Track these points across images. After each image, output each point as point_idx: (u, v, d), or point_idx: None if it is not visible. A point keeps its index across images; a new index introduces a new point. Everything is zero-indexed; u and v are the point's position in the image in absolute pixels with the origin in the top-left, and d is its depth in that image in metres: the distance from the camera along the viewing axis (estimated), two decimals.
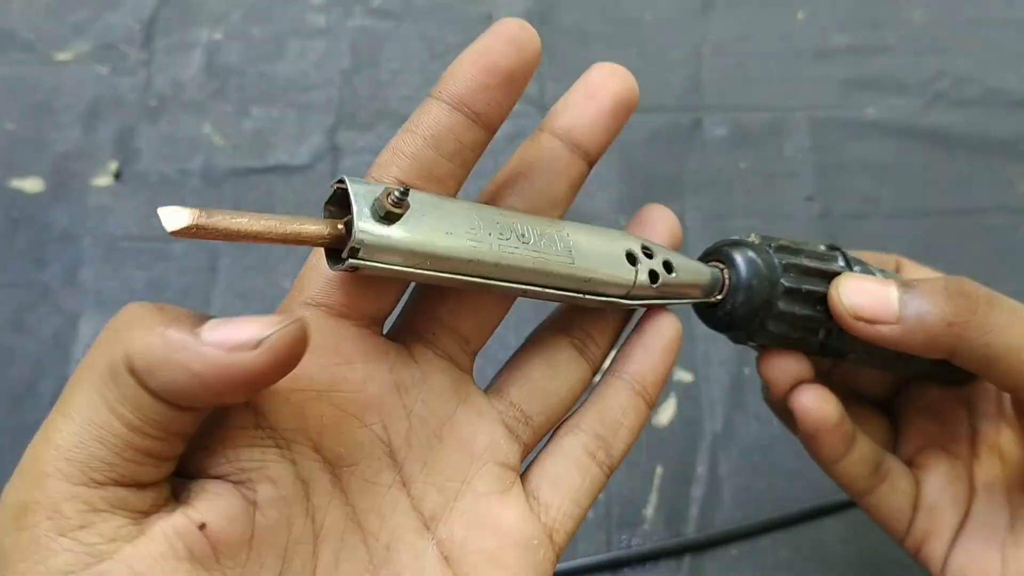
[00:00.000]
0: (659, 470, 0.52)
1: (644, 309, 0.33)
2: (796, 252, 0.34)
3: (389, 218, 0.25)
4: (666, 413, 0.53)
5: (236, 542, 0.24)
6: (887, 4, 0.67)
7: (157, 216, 0.23)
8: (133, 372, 0.22)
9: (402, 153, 0.28)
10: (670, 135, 0.62)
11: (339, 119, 0.62)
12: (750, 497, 0.51)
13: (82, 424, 0.23)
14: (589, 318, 0.32)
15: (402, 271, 0.26)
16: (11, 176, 0.59)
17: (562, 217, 0.31)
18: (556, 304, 0.33)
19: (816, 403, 0.34)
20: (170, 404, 0.23)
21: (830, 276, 0.34)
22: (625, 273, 0.30)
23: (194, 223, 0.23)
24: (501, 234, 0.27)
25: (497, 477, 0.29)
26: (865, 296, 0.32)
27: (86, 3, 0.65)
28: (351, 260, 0.25)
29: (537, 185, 0.31)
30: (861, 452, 0.36)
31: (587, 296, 0.30)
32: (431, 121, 0.28)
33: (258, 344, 0.22)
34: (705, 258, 0.34)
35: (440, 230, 0.26)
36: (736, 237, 0.34)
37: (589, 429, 0.31)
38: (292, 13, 0.66)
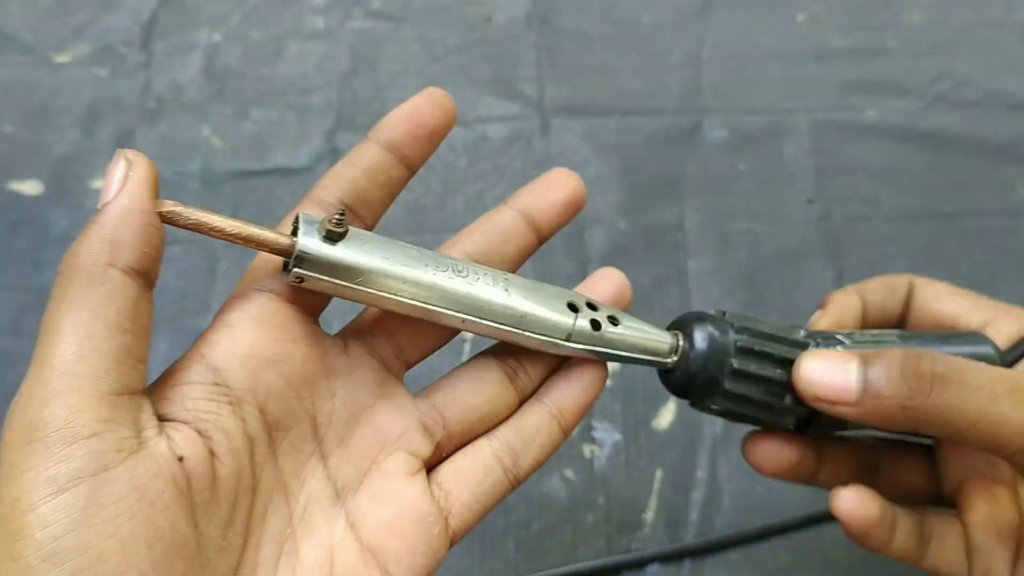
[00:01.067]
0: (659, 474, 0.52)
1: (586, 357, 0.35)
2: (758, 334, 0.35)
3: (331, 237, 0.30)
4: (666, 417, 0.53)
5: (204, 483, 0.28)
6: (887, 6, 0.67)
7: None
8: (109, 263, 0.27)
9: (343, 178, 0.33)
10: (669, 137, 0.62)
11: (338, 121, 0.62)
12: (750, 501, 0.51)
13: (79, 339, 0.26)
14: (526, 351, 0.35)
15: (341, 286, 0.30)
16: (10, 178, 0.59)
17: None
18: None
19: (858, 506, 0.36)
20: (139, 276, 0.27)
21: (786, 358, 0.35)
22: (564, 317, 0.33)
23: (171, 209, 0.28)
24: (438, 266, 0.32)
25: (404, 462, 0.33)
26: (825, 376, 0.34)
27: (85, 5, 0.65)
28: (295, 269, 0.30)
29: (491, 240, 0.35)
30: (905, 528, 0.37)
31: (526, 333, 0.33)
32: (369, 157, 0.34)
33: (128, 161, 0.28)
34: (672, 326, 0.36)
35: (377, 254, 0.31)
36: (705, 311, 0.36)
37: (502, 437, 0.34)
38: (291, 15, 0.66)
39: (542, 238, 0.36)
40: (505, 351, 0.35)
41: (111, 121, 0.61)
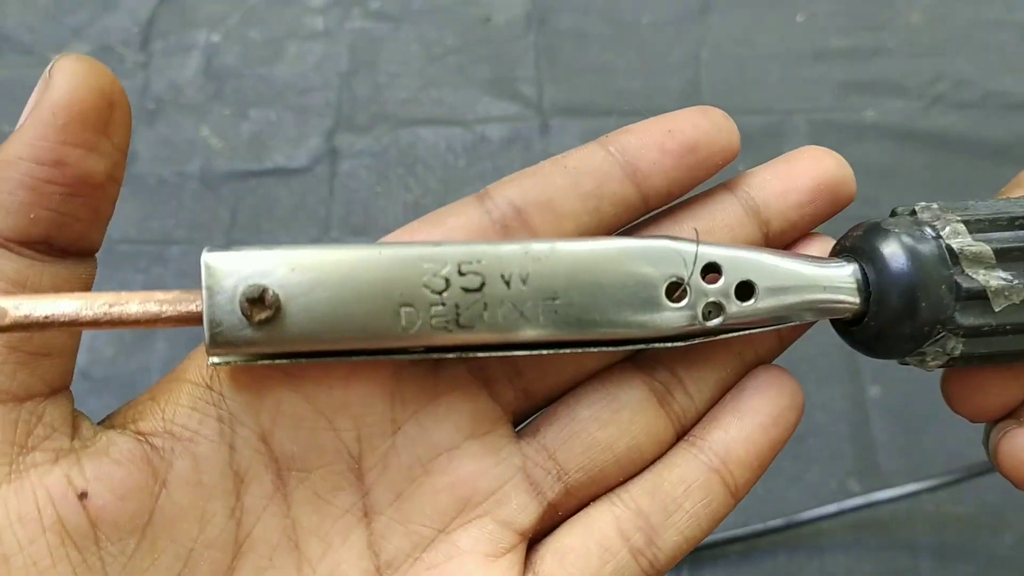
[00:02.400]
0: None
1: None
2: (981, 224, 0.23)
3: (260, 321, 0.20)
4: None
5: (125, 524, 0.20)
6: (886, 6, 0.67)
7: (154, 219, 0.22)
8: None
9: (531, 173, 0.24)
10: None
11: (337, 121, 0.62)
12: (748, 500, 0.51)
13: None
14: (685, 354, 0.24)
15: (296, 363, 0.21)
16: None
17: None
18: None
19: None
20: (27, 245, 0.19)
21: None
22: (657, 317, 0.22)
23: (12, 320, 0.19)
24: (436, 298, 0.21)
25: (490, 536, 0.23)
26: None
27: (83, 5, 0.65)
28: (210, 359, 0.21)
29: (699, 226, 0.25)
30: None
31: (593, 349, 0.22)
32: (584, 155, 0.24)
33: (49, 76, 0.19)
34: (840, 249, 0.25)
35: (333, 318, 0.20)
36: (883, 219, 0.24)
37: (631, 502, 0.23)
38: (290, 15, 0.65)
39: (771, 238, 0.25)
40: (653, 358, 0.24)
41: None
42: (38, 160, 0.19)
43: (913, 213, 0.24)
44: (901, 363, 0.24)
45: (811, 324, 0.24)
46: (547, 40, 0.64)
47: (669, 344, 0.23)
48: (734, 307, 0.22)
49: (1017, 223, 0.24)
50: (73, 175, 0.20)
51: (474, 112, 0.62)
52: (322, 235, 0.58)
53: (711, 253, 0.22)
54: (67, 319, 0.19)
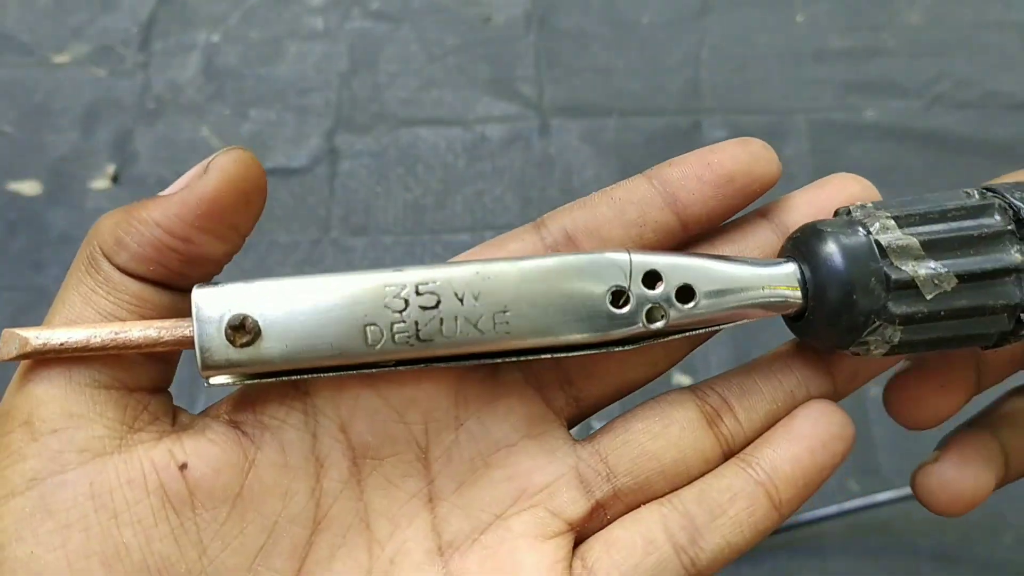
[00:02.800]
0: None
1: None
2: (910, 219, 0.25)
3: (241, 344, 0.23)
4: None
5: (218, 495, 0.23)
6: (886, 6, 0.67)
7: None
8: (104, 254, 0.23)
9: (581, 204, 0.26)
10: (668, 137, 0.62)
11: (337, 122, 0.62)
12: None
13: (60, 322, 0.23)
14: (734, 380, 0.27)
15: (281, 380, 0.24)
16: (9, 179, 0.59)
17: None
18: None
19: (960, 486, 0.28)
20: (142, 279, 0.23)
21: (969, 236, 0.25)
22: (604, 323, 0.24)
23: (31, 349, 0.22)
24: (396, 316, 0.23)
25: (540, 522, 0.25)
26: None
27: (83, 6, 0.65)
28: (208, 383, 0.24)
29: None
30: None
31: (543, 356, 0.24)
32: (628, 187, 0.26)
33: (206, 168, 0.23)
34: (783, 250, 0.26)
35: (307, 338, 0.23)
36: (820, 220, 0.26)
37: (679, 504, 0.25)
38: (290, 15, 0.66)
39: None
40: (706, 385, 0.27)
41: (110, 121, 0.61)
42: (171, 233, 0.23)
43: (848, 213, 0.26)
44: (852, 353, 0.26)
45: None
46: (547, 40, 0.64)
47: (622, 348, 0.24)
48: (675, 310, 0.24)
49: (949, 215, 0.25)
50: (195, 253, 0.23)
51: (474, 112, 0.62)
52: (322, 235, 0.58)
53: (649, 261, 0.24)
54: (79, 346, 0.22)
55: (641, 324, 0.24)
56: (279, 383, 0.24)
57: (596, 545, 0.25)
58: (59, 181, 0.59)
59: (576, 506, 0.25)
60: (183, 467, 0.23)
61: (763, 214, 0.28)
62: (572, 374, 0.26)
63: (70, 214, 0.58)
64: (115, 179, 0.59)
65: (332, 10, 0.66)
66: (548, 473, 0.26)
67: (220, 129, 0.61)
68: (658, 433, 0.26)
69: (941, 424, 0.28)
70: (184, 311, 0.24)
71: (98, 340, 0.22)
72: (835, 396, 0.27)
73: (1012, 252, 0.25)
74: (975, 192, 0.27)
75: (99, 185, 0.59)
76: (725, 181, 0.25)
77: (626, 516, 0.26)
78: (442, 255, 0.57)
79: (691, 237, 0.27)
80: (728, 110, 0.63)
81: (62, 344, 0.22)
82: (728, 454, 0.26)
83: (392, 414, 0.25)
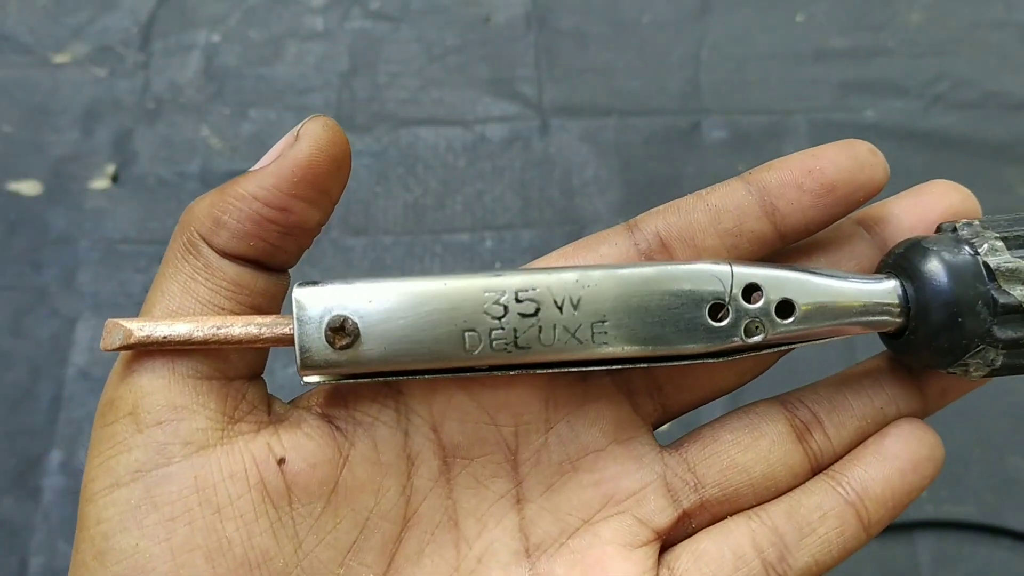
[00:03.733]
0: None
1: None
2: (1021, 240, 0.24)
3: (341, 346, 0.23)
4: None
5: (314, 490, 0.23)
6: (886, 7, 0.67)
7: (154, 219, 0.23)
8: (202, 237, 0.23)
9: (676, 208, 0.26)
10: (668, 137, 0.62)
11: (337, 121, 0.62)
12: None
13: (161, 312, 0.23)
14: (824, 394, 0.27)
15: (377, 381, 0.24)
16: (8, 179, 0.59)
17: None
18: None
19: None
20: (241, 259, 0.23)
21: None
22: (701, 335, 0.23)
23: (135, 340, 0.23)
24: (495, 323, 0.23)
25: (629, 530, 0.25)
26: None
27: (84, 6, 0.65)
28: (306, 380, 0.24)
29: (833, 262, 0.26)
30: None
31: (643, 365, 0.24)
32: (725, 192, 0.25)
33: (296, 136, 0.23)
34: (882, 266, 0.26)
35: (406, 342, 0.23)
36: (924, 235, 0.25)
37: (769, 520, 0.25)
38: (290, 16, 0.66)
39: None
40: (796, 397, 0.27)
41: (110, 121, 0.61)
42: (269, 204, 0.23)
43: (955, 230, 0.25)
44: (947, 372, 0.25)
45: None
46: (547, 40, 0.64)
47: (716, 360, 0.24)
48: (774, 325, 0.24)
49: None
50: (293, 222, 0.23)
51: (474, 112, 0.62)
52: (322, 235, 0.58)
53: (749, 274, 0.24)
54: (181, 339, 0.22)
55: (739, 338, 0.23)
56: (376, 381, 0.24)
57: (684, 555, 0.25)
58: (59, 181, 0.59)
59: (663, 515, 0.25)
60: (281, 462, 0.23)
61: (861, 222, 0.27)
62: (662, 381, 0.26)
63: (70, 214, 0.58)
64: (115, 179, 0.59)
65: (332, 10, 0.66)
66: (636, 480, 0.25)
67: (220, 129, 0.61)
68: (748, 445, 0.26)
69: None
70: (279, 295, 0.24)
71: (200, 335, 0.22)
72: (923, 413, 0.27)
73: None
74: None
75: (99, 185, 0.59)
76: (827, 191, 0.25)
77: (714, 527, 0.25)
78: (442, 255, 0.57)
79: (787, 246, 0.26)
80: (728, 110, 0.63)
81: (165, 337, 0.22)
82: (816, 469, 0.26)
83: (483, 416, 0.25)
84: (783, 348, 0.25)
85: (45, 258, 0.56)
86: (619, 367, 0.24)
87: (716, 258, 0.24)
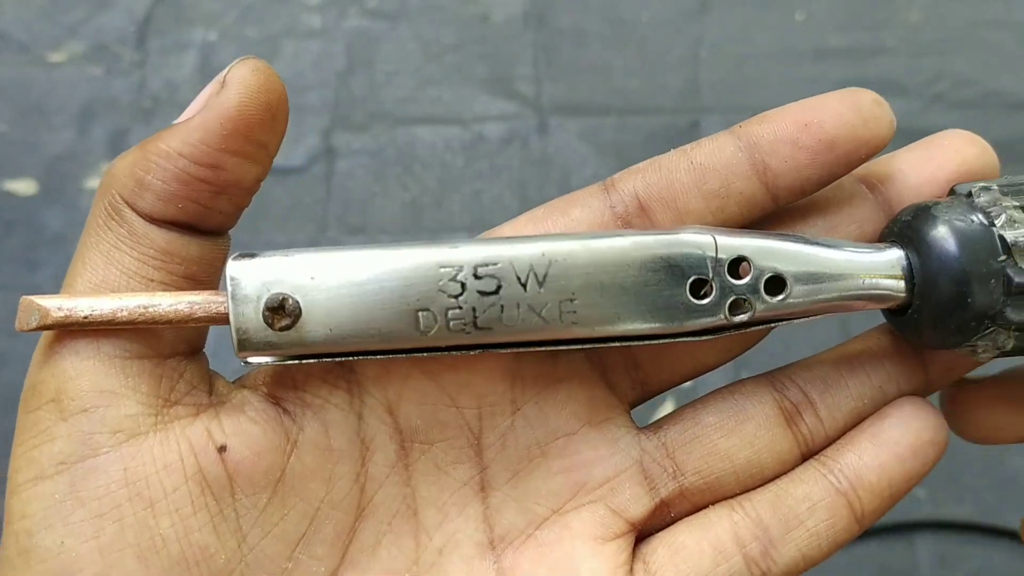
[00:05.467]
0: None
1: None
2: None
3: (281, 327, 0.21)
4: (666, 411, 0.53)
5: (259, 480, 0.21)
6: (886, 5, 0.67)
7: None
8: (125, 201, 0.21)
9: (657, 167, 0.23)
10: (667, 136, 0.62)
11: (334, 120, 0.61)
12: None
13: (83, 287, 0.21)
14: (817, 372, 0.24)
15: (321, 362, 0.22)
16: (4, 178, 0.59)
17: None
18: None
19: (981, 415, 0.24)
20: (170, 224, 0.21)
21: None
22: (681, 316, 0.21)
23: (52, 320, 0.21)
24: (452, 302, 0.21)
25: (601, 521, 0.23)
26: None
27: (79, 4, 0.64)
28: (244, 363, 0.22)
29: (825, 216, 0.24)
30: None
31: (612, 344, 0.22)
32: (711, 152, 0.23)
33: (223, 83, 0.21)
34: (887, 233, 0.23)
35: (351, 323, 0.21)
36: (947, 200, 0.22)
37: (752, 511, 0.23)
38: (287, 14, 0.65)
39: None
40: (786, 376, 0.24)
41: (106, 120, 0.61)
42: (197, 161, 0.21)
43: (969, 195, 0.22)
44: (955, 351, 0.23)
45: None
46: (545, 38, 0.64)
47: (698, 339, 0.22)
48: (762, 303, 0.21)
49: None
50: (226, 179, 0.21)
51: (472, 111, 0.62)
52: (319, 235, 0.58)
53: (735, 245, 0.21)
54: (104, 319, 0.20)
55: (723, 316, 0.21)
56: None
57: (660, 549, 0.23)
58: (54, 180, 0.59)
59: (639, 504, 0.23)
60: (222, 449, 0.21)
61: (864, 181, 0.24)
62: (640, 358, 0.24)
63: (65, 213, 0.57)
64: None
65: (329, 8, 0.65)
66: (610, 466, 0.23)
67: None
68: (732, 429, 0.24)
69: (1010, 443, 0.25)
70: (217, 262, 0.22)
71: (125, 314, 0.20)
72: (926, 391, 0.25)
73: None
74: None
75: (94, 184, 0.59)
76: (825, 148, 0.22)
77: (693, 518, 0.23)
78: None
79: (780, 208, 0.23)
80: (727, 109, 0.62)
81: (86, 317, 0.20)
82: (807, 455, 0.24)
83: (443, 397, 0.23)
84: (772, 325, 0.22)
85: (40, 257, 0.56)
86: (590, 347, 0.22)
87: (699, 225, 0.22)
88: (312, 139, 0.61)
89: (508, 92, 0.63)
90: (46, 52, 0.63)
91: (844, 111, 0.22)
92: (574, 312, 0.21)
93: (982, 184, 0.22)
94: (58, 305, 0.20)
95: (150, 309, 0.21)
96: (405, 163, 0.60)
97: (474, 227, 0.58)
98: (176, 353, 0.22)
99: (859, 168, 0.24)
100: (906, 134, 0.65)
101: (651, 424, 0.25)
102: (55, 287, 0.59)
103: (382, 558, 0.23)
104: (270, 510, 0.21)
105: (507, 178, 0.60)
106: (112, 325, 0.21)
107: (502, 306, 0.21)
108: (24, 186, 0.58)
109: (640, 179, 0.23)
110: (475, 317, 0.21)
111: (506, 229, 0.24)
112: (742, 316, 0.21)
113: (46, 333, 0.21)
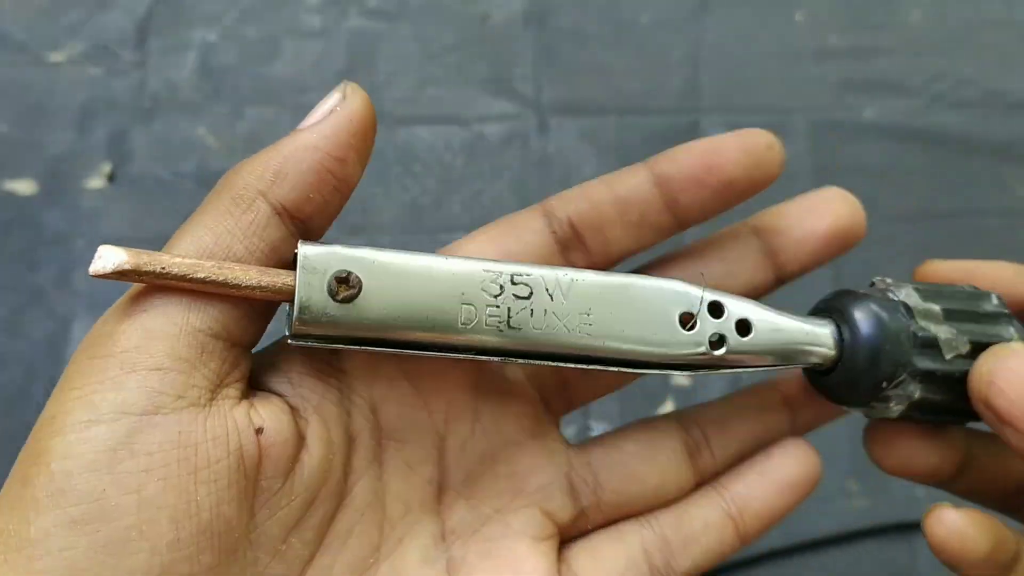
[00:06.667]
0: None
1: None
2: (943, 315, 0.27)
3: (343, 297, 0.23)
4: (666, 411, 0.53)
5: (280, 466, 0.23)
6: (886, 5, 0.67)
7: (150, 219, 0.23)
8: (260, 191, 0.23)
9: (587, 197, 0.28)
10: (668, 137, 0.62)
11: None
12: None
13: (197, 254, 0.22)
14: (716, 420, 0.29)
15: (367, 350, 0.24)
16: (4, 178, 0.59)
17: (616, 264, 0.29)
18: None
19: (955, 535, 0.27)
20: (292, 219, 0.23)
21: (983, 340, 0.27)
22: (672, 341, 0.25)
23: (127, 267, 0.22)
24: (478, 304, 0.24)
25: (536, 522, 0.27)
26: (1019, 385, 0.24)
27: (79, 4, 0.64)
28: (292, 340, 0.24)
29: (713, 267, 0.29)
30: None
31: (613, 369, 0.26)
32: (631, 184, 0.27)
33: (344, 93, 0.24)
34: (816, 310, 0.29)
35: (404, 308, 0.23)
36: (859, 290, 0.28)
37: (659, 528, 0.27)
38: (287, 14, 0.65)
39: (782, 279, 0.29)
40: (690, 417, 0.29)
41: (105, 120, 0.61)
42: (331, 153, 0.23)
43: (872, 284, 0.28)
44: (866, 414, 0.29)
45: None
46: (545, 38, 0.64)
47: (681, 373, 0.26)
48: (735, 340, 0.26)
49: (957, 295, 0.28)
50: (346, 174, 0.24)
51: (472, 111, 0.62)
52: (318, 235, 0.58)
53: (715, 297, 0.26)
54: (179, 275, 0.22)
55: (706, 347, 0.25)
56: (318, 356, 0.24)
57: (582, 554, 0.27)
58: (54, 180, 0.59)
59: (565, 511, 0.27)
60: (259, 431, 0.22)
61: (753, 230, 0.29)
62: (570, 377, 0.28)
63: (65, 213, 0.57)
64: (111, 178, 0.59)
65: (329, 8, 0.65)
66: (545, 475, 0.27)
67: (217, 128, 0.61)
68: (647, 458, 0.28)
69: (920, 477, 0.29)
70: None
71: (202, 274, 0.22)
72: (802, 430, 0.30)
73: (1011, 331, 0.28)
74: (967, 287, 0.29)
75: (94, 184, 0.59)
76: (725, 187, 0.27)
77: (610, 529, 0.27)
78: None
79: (685, 249, 0.29)
80: (727, 109, 0.62)
81: (163, 269, 0.21)
82: (700, 483, 0.29)
83: (419, 401, 0.26)
84: (727, 372, 0.27)
85: (40, 258, 0.56)
86: (594, 368, 0.26)
87: (682, 277, 0.27)
88: None
89: (508, 92, 0.63)
90: (46, 52, 0.63)
91: (742, 156, 0.27)
92: (589, 324, 0.25)
93: (880, 278, 0.28)
94: (137, 254, 0.21)
95: (224, 271, 0.22)
96: (405, 163, 0.60)
97: (474, 227, 0.58)
98: (242, 343, 0.23)
99: (752, 220, 0.29)
100: (906, 134, 0.65)
101: (580, 443, 0.28)
102: (55, 287, 0.58)
103: (351, 546, 0.25)
104: (280, 495, 0.23)
105: (507, 178, 0.60)
106: (185, 282, 0.22)
107: (531, 310, 0.24)
108: (24, 186, 0.58)
109: (573, 206, 0.27)
110: (509, 317, 0.24)
111: (458, 246, 0.28)
112: (720, 350, 0.26)
113: (136, 287, 0.22)
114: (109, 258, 0.21)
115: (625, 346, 0.25)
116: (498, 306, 0.24)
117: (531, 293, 0.24)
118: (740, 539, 0.28)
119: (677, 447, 0.28)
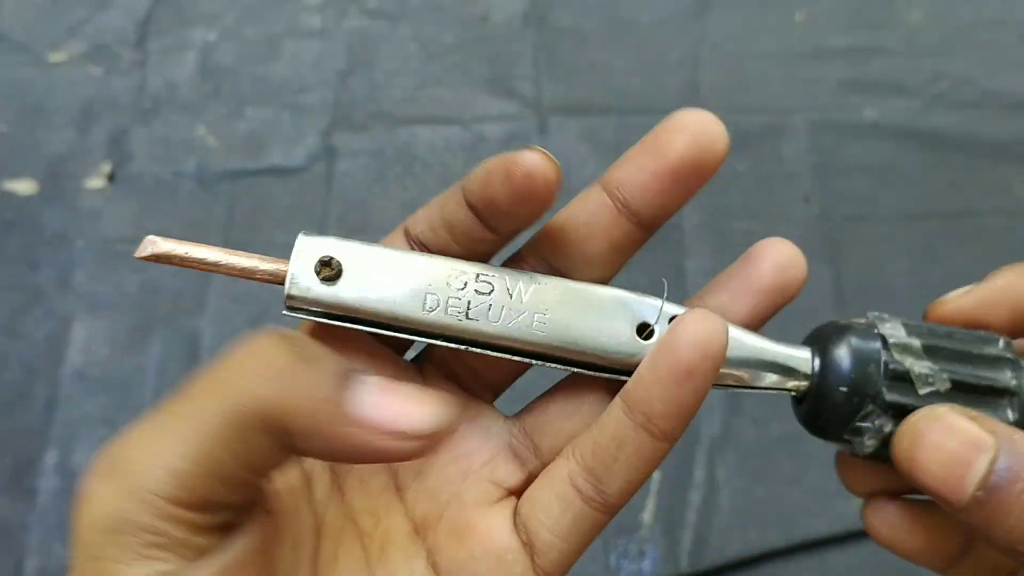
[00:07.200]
0: (656, 475, 0.51)
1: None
2: (922, 350, 0.27)
3: (325, 277, 0.27)
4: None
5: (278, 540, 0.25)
6: (885, 6, 0.67)
7: (150, 218, 0.23)
8: (270, 429, 0.22)
9: (429, 214, 0.29)
10: None
11: (334, 120, 0.61)
12: (748, 503, 0.51)
13: (198, 459, 0.22)
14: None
15: (345, 326, 0.27)
16: (4, 178, 0.59)
17: (607, 282, 0.29)
18: None
19: (890, 528, 0.29)
20: (294, 451, 0.23)
21: (985, 384, 0.26)
22: (625, 348, 0.27)
23: (161, 252, 0.27)
24: (450, 296, 0.27)
25: (485, 491, 0.29)
26: (940, 458, 0.24)
27: (79, 4, 0.64)
28: (285, 311, 0.27)
29: (570, 239, 0.29)
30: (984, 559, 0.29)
31: (573, 370, 0.27)
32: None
33: (417, 437, 0.23)
34: (807, 340, 0.29)
35: (375, 292, 0.27)
36: (853, 320, 0.28)
37: (580, 459, 0.28)
38: (287, 14, 0.65)
39: (644, 225, 0.29)
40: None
41: (105, 120, 0.61)
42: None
43: (864, 316, 0.28)
44: (844, 450, 0.28)
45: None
46: (545, 39, 0.64)
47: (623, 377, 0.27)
48: None
49: (955, 336, 0.27)
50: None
51: (472, 111, 0.62)
52: (319, 234, 0.58)
53: (676, 310, 0.27)
54: (197, 260, 0.26)
55: None
56: None
57: (524, 505, 0.28)
58: (54, 180, 0.59)
59: (513, 476, 0.29)
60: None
61: (602, 185, 0.30)
62: (475, 365, 0.30)
63: (65, 213, 0.57)
64: (111, 178, 0.59)
65: (329, 8, 0.65)
66: (487, 451, 0.29)
67: (216, 128, 0.61)
68: (572, 413, 0.29)
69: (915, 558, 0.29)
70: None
71: (213, 259, 0.27)
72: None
73: (1008, 375, 0.27)
74: (977, 331, 0.28)
75: (94, 184, 0.59)
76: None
77: (542, 475, 0.28)
78: None
79: (649, 233, 0.29)
80: (727, 109, 0.62)
81: (186, 253, 0.26)
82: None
83: None
84: None
85: (41, 258, 0.56)
86: (553, 365, 0.27)
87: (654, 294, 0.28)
88: (312, 139, 0.61)
89: (508, 92, 0.63)
90: (46, 52, 0.63)
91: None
92: (544, 324, 0.27)
93: (876, 313, 0.28)
94: (165, 241, 0.26)
95: (230, 258, 0.27)
96: (405, 163, 0.60)
97: None
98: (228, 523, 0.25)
99: (604, 175, 0.30)
100: (906, 134, 0.65)
101: (515, 414, 0.30)
102: (55, 287, 0.58)
103: (341, 567, 0.27)
104: (277, 547, 0.25)
105: None
106: (201, 265, 0.27)
107: (490, 305, 0.27)
108: (24, 186, 0.58)
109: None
110: (468, 308, 0.27)
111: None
112: None
113: (120, 471, 0.22)
114: (147, 247, 0.26)
115: (576, 347, 0.27)
116: (460, 298, 0.27)
117: (492, 290, 0.27)
118: (662, 440, 0.27)
119: (602, 398, 0.29)
